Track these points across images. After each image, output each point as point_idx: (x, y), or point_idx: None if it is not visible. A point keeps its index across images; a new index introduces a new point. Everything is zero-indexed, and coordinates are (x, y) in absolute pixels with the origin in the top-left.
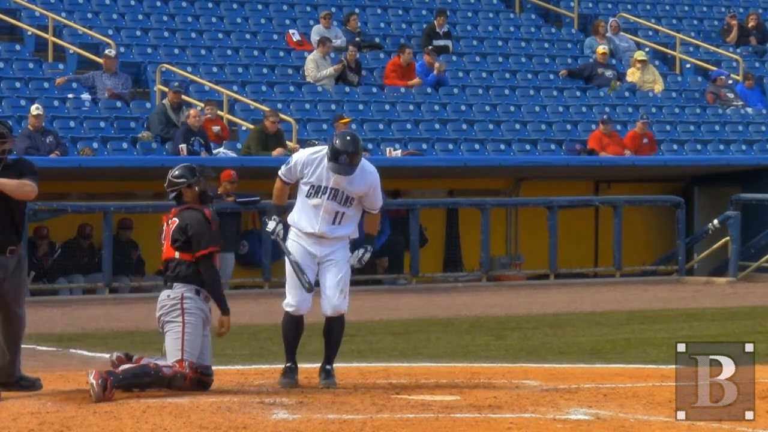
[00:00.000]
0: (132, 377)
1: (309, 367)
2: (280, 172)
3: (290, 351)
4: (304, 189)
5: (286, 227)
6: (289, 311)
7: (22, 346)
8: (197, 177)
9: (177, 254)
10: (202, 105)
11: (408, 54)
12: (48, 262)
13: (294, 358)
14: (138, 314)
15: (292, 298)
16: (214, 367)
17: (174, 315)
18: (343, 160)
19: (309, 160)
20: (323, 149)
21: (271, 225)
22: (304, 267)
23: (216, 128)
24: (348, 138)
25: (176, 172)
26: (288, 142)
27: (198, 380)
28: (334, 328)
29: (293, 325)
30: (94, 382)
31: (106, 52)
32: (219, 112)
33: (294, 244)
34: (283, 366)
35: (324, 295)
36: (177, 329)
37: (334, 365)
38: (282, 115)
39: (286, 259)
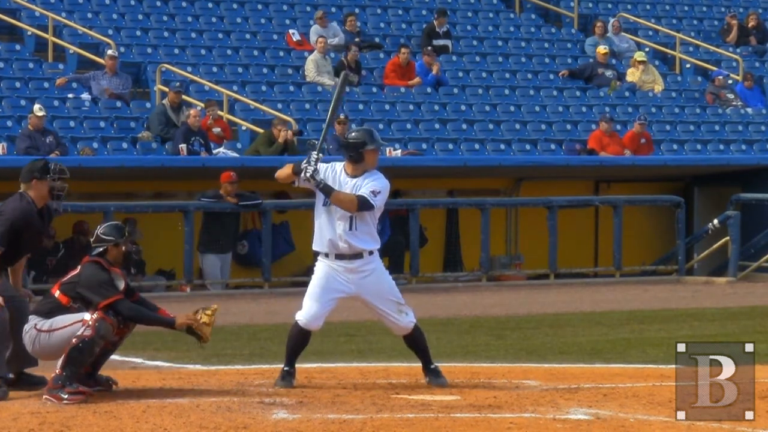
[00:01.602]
0: (73, 365)
1: (309, 367)
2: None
3: (291, 358)
4: (318, 202)
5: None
6: (299, 323)
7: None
8: (125, 238)
9: (57, 294)
10: (203, 105)
11: (405, 54)
12: (52, 262)
13: (293, 364)
14: None
15: (306, 312)
16: (213, 367)
17: (42, 337)
18: (376, 136)
19: (322, 167)
20: (333, 164)
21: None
22: (329, 288)
23: (217, 129)
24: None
25: (105, 230)
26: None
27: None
28: (415, 338)
29: (300, 337)
30: (66, 397)
31: (108, 52)
32: (219, 112)
33: (321, 273)
34: (281, 368)
35: (387, 320)
36: (58, 332)
37: (338, 365)
38: (282, 115)
39: (322, 266)
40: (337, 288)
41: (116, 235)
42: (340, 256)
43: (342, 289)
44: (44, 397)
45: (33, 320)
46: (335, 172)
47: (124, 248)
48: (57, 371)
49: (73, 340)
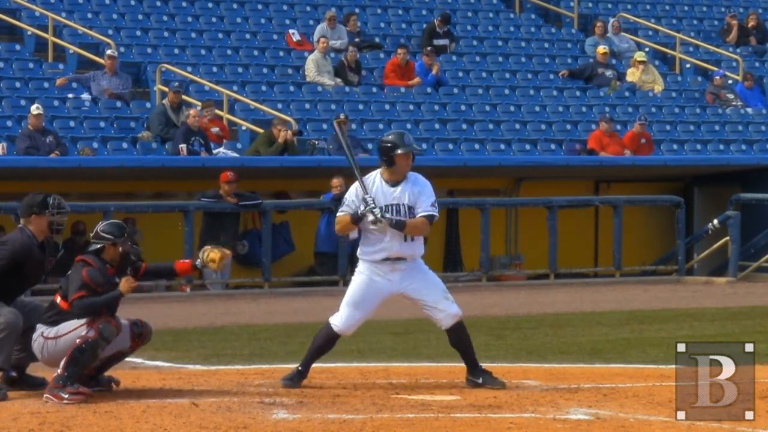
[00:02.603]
0: (74, 365)
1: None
2: (340, 211)
3: (309, 360)
4: (367, 221)
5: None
6: (334, 328)
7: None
8: (124, 237)
9: (58, 300)
10: (200, 105)
11: (402, 54)
12: (51, 262)
13: (309, 367)
14: (137, 315)
15: (344, 317)
16: (213, 367)
17: (49, 344)
18: (407, 140)
19: (359, 189)
20: (368, 176)
21: (369, 214)
22: (370, 296)
23: (215, 129)
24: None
25: (105, 227)
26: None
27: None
28: (460, 335)
29: (329, 341)
30: (66, 397)
31: (108, 52)
32: (219, 112)
33: (363, 277)
34: (295, 367)
35: (435, 310)
36: (64, 338)
37: (338, 365)
38: (282, 115)
39: (363, 275)
40: (379, 289)
41: (116, 233)
42: (385, 263)
43: (384, 289)
44: (45, 396)
45: (40, 329)
46: (375, 185)
47: (121, 249)
48: (59, 371)
49: (77, 341)
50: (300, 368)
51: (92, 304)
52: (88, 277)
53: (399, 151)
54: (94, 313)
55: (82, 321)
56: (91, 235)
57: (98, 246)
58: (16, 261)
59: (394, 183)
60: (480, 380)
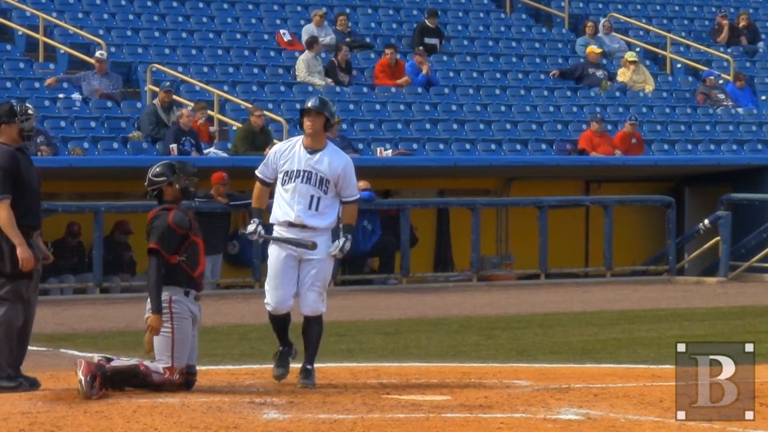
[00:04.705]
0: (121, 375)
1: (299, 367)
2: (257, 171)
3: (281, 337)
4: (280, 180)
5: (267, 228)
6: (269, 310)
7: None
8: (177, 174)
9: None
10: (193, 105)
11: (390, 54)
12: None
13: (287, 340)
14: (129, 314)
15: (270, 297)
16: (204, 367)
17: (163, 319)
18: (313, 100)
19: (282, 148)
20: (290, 139)
21: (250, 227)
22: (286, 269)
23: (213, 128)
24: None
25: (156, 170)
26: (275, 141)
27: (184, 381)
28: (312, 328)
29: (277, 320)
30: (83, 378)
31: (97, 54)
32: (210, 112)
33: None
34: (276, 351)
35: (301, 294)
36: (167, 333)
37: (328, 365)
38: (273, 115)
39: (274, 248)
40: (288, 256)
41: (168, 173)
42: (291, 228)
43: (291, 253)
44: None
45: (167, 292)
46: (293, 150)
47: (177, 186)
48: (108, 367)
49: (143, 368)
50: (281, 349)
51: (152, 284)
52: (173, 221)
53: (301, 110)
54: (147, 285)
55: (178, 348)
56: (146, 184)
57: (156, 191)
58: (10, 173)
59: (312, 150)
60: (299, 377)
